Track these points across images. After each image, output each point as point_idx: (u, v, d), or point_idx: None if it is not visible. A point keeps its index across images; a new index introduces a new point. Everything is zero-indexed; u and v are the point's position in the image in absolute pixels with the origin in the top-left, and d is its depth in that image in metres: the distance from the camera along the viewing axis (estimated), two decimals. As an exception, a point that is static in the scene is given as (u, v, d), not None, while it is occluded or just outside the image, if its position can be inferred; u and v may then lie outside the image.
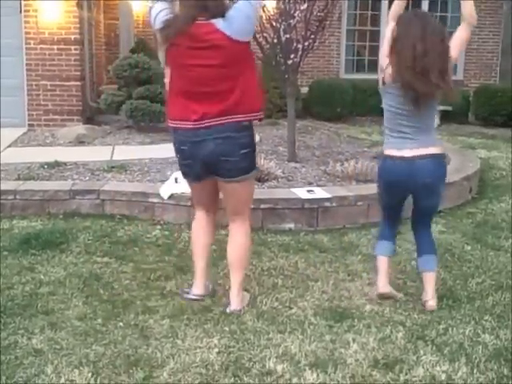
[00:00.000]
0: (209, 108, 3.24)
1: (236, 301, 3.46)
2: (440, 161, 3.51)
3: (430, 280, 3.57)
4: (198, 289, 3.60)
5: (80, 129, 8.02)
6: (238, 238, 3.54)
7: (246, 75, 3.27)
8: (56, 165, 6.13)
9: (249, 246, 3.60)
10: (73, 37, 8.55)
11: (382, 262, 3.65)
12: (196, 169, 3.41)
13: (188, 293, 3.61)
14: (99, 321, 3.30)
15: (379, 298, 3.62)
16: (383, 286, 3.61)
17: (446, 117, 11.16)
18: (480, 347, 3.10)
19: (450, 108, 11.14)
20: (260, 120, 3.40)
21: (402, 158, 3.42)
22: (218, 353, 2.99)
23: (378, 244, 3.75)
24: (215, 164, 3.33)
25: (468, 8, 3.45)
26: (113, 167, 6.06)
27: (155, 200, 5.10)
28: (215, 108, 3.23)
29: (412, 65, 3.27)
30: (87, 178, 5.73)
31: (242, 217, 3.51)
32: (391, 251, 3.73)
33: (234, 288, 3.50)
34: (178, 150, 3.49)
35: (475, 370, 2.89)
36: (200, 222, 3.66)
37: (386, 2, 12.28)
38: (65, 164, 6.19)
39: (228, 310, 3.43)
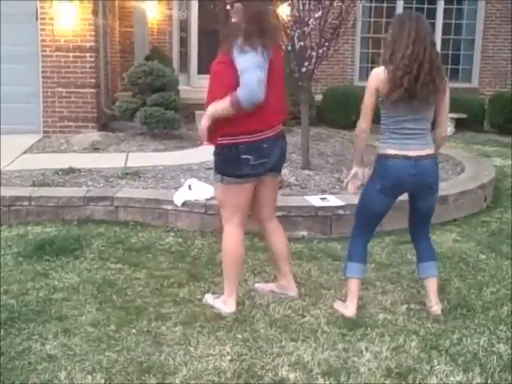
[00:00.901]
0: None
1: (295, 288, 3.78)
2: (436, 161, 3.61)
3: (432, 286, 3.60)
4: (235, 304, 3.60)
5: (95, 135, 8.07)
6: (281, 233, 3.76)
7: None
8: (70, 171, 6.17)
9: None
10: (88, 44, 8.61)
11: (355, 284, 3.55)
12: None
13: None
14: (112, 327, 3.31)
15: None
16: (354, 310, 3.54)
17: (460, 125, 11.10)
18: (494, 357, 3.08)
19: (464, 116, 11.10)
20: None
21: (408, 157, 3.42)
22: (231, 360, 2.99)
23: (351, 266, 3.57)
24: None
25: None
26: (127, 174, 6.09)
27: (169, 207, 5.11)
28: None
29: (410, 70, 3.29)
30: (101, 185, 5.76)
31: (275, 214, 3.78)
32: (364, 272, 3.68)
33: (291, 277, 3.79)
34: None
35: (489, 381, 2.87)
36: (240, 237, 3.56)
37: (401, 8, 12.29)
38: (79, 170, 6.23)
39: (293, 294, 3.72)
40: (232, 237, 3.52)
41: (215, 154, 3.47)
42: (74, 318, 3.41)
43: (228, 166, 3.40)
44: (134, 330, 3.29)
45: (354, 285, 3.55)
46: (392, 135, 3.47)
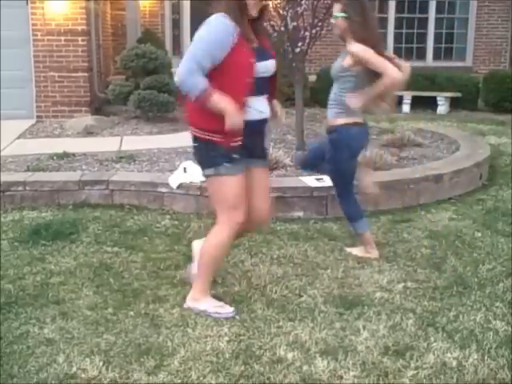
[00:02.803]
0: None
1: None
2: None
3: (369, 237, 4.15)
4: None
5: (88, 120, 8.03)
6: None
7: None
8: (65, 156, 6.15)
9: None
10: (80, 28, 8.54)
11: (368, 234, 4.15)
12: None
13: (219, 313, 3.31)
14: (110, 310, 3.32)
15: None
16: (377, 252, 4.12)
17: (455, 103, 11.10)
18: (491, 334, 3.09)
19: (459, 94, 11.09)
20: None
21: (361, 124, 3.98)
22: (229, 341, 3.00)
23: (358, 223, 4.12)
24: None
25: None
26: (121, 157, 6.07)
27: (164, 190, 5.10)
28: None
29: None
30: (96, 169, 5.74)
31: None
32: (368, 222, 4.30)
33: None
34: None
35: (486, 357, 2.88)
36: (233, 236, 3.31)
37: (394, -12, 12.22)
38: (73, 155, 6.21)
39: None
40: (226, 238, 3.29)
41: None
42: (71, 302, 3.41)
43: None
44: (131, 313, 3.29)
45: (367, 236, 4.13)
46: (343, 105, 3.92)
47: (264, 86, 3.18)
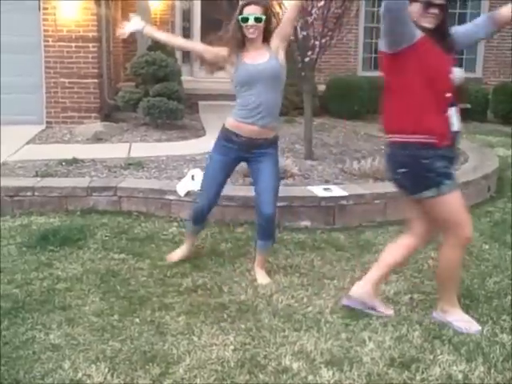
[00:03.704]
0: None
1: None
2: None
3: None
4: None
5: (97, 126, 8.06)
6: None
7: None
8: (74, 162, 6.17)
9: None
10: (91, 34, 8.59)
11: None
12: None
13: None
14: (116, 317, 3.32)
15: None
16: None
17: (464, 115, 10.99)
18: (497, 347, 3.08)
19: (468, 106, 11.05)
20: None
21: None
22: (234, 350, 3.00)
23: None
24: None
25: None
26: (130, 164, 6.09)
27: (172, 197, 5.11)
28: None
29: None
30: (104, 175, 5.76)
31: None
32: None
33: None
34: None
35: (492, 370, 2.87)
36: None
37: (404, -2, 12.21)
38: (82, 161, 6.23)
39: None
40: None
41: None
42: (77, 308, 3.42)
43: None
44: (137, 320, 3.30)
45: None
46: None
47: None
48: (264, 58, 3.67)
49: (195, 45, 4.27)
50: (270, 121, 3.71)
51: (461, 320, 3.31)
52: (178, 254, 4.14)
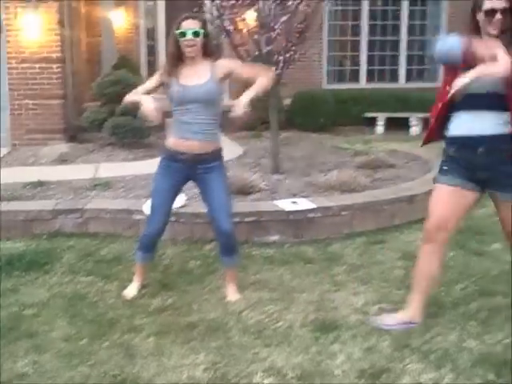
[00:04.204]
0: None
1: None
2: None
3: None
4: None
5: (63, 147, 8.01)
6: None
7: None
8: (39, 184, 6.11)
9: None
10: (54, 55, 8.55)
11: None
12: None
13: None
14: (84, 341, 3.28)
15: None
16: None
17: (428, 124, 11.20)
18: (465, 353, 3.12)
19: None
20: None
21: None
22: (205, 369, 2.99)
23: None
24: None
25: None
26: (96, 185, 6.05)
27: (139, 217, 5.08)
28: None
29: None
30: (71, 197, 5.71)
31: None
32: None
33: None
34: None
35: (461, 376, 2.90)
36: None
37: (366, 11, 12.43)
38: (48, 183, 6.17)
39: None
40: None
41: None
42: (44, 334, 3.37)
43: None
44: (106, 343, 3.26)
45: None
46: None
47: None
48: (201, 79, 3.60)
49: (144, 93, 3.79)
50: (208, 135, 3.68)
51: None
52: (132, 291, 3.90)
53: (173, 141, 3.73)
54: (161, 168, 3.79)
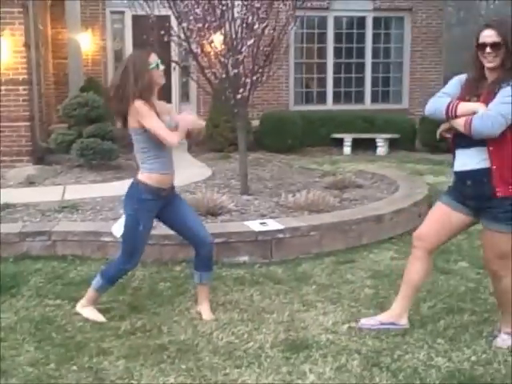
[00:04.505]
0: None
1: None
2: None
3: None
4: None
5: (30, 169, 7.92)
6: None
7: None
8: (6, 207, 6.02)
9: None
10: (21, 77, 8.50)
11: None
12: None
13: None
14: (52, 366, 3.23)
15: None
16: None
17: (394, 144, 11.46)
18: (433, 371, 3.15)
19: (397, 136, 11.46)
20: None
21: None
22: (175, 391, 2.97)
23: None
24: None
25: None
26: (64, 207, 5.99)
27: (108, 239, 5.04)
28: None
29: None
30: (38, 220, 5.64)
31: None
32: None
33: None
34: None
35: (430, 394, 2.94)
36: None
37: (332, 34, 12.64)
38: (14, 206, 6.09)
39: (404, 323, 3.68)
40: None
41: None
42: (11, 359, 3.31)
43: None
44: (74, 367, 3.21)
45: None
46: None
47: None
48: (168, 112, 3.74)
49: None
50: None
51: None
52: (94, 317, 3.83)
53: (157, 177, 3.66)
54: (143, 206, 3.68)
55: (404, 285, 3.68)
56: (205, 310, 3.88)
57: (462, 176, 3.39)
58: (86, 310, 3.86)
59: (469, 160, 3.33)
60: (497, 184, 3.23)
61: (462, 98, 3.32)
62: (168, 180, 3.72)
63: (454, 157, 3.43)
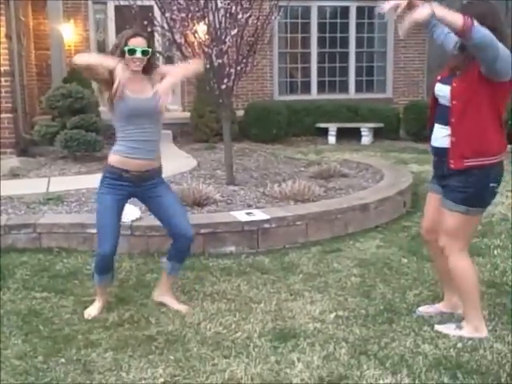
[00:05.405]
0: None
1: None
2: None
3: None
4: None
5: (14, 161, 7.85)
6: None
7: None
8: (-11, 200, 5.96)
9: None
10: (3, 68, 8.40)
11: None
12: None
13: None
14: (40, 358, 3.22)
15: None
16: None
17: (378, 134, 11.50)
18: (420, 358, 3.18)
19: (381, 125, 11.51)
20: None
21: None
22: (164, 383, 2.97)
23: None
24: None
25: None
26: (49, 199, 5.95)
27: (93, 231, 4.98)
28: None
29: None
30: (23, 212, 5.60)
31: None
32: None
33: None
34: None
35: (417, 381, 2.97)
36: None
37: (316, 24, 12.63)
38: (-2, 198, 6.03)
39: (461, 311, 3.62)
40: (469, 263, 3.45)
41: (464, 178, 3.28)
42: (-2, 352, 3.30)
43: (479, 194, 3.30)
44: (62, 360, 3.21)
45: None
46: None
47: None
48: (148, 94, 3.57)
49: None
50: (155, 152, 3.68)
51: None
52: (94, 311, 3.79)
53: (119, 159, 3.60)
54: (104, 186, 3.64)
55: (444, 279, 3.71)
56: (174, 303, 3.87)
57: (433, 152, 3.49)
58: (94, 305, 3.86)
59: (435, 136, 3.43)
60: (452, 156, 3.28)
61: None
62: (135, 164, 3.59)
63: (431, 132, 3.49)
